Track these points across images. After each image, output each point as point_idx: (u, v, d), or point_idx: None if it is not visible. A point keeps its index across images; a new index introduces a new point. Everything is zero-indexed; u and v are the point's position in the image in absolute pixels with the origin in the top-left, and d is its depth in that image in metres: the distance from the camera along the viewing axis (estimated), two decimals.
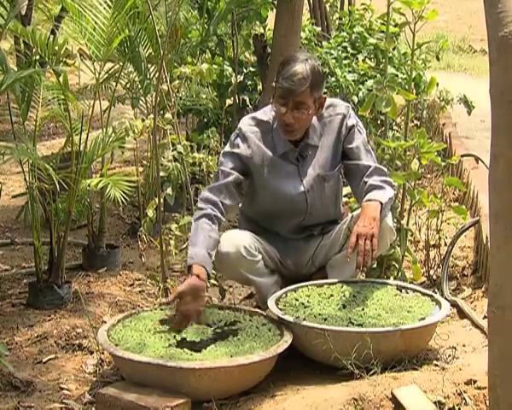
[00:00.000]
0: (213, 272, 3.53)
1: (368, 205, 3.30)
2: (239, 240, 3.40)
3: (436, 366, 2.99)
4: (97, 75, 4.23)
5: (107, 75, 4.52)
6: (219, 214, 3.35)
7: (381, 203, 3.30)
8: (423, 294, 3.35)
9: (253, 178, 3.49)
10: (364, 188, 3.42)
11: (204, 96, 5.90)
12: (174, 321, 3.13)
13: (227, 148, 3.51)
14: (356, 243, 3.21)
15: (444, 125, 7.23)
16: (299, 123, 3.39)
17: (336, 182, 3.58)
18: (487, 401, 2.38)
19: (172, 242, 3.48)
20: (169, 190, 3.50)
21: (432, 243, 4.15)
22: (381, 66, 6.51)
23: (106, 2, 4.23)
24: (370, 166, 3.45)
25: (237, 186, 3.45)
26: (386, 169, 3.53)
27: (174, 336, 3.07)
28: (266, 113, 3.54)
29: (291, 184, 3.50)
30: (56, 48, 3.84)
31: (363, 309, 3.19)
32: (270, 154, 3.48)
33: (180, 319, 3.12)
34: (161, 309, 3.32)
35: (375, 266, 3.73)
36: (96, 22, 4.17)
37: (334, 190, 3.58)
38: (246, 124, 3.52)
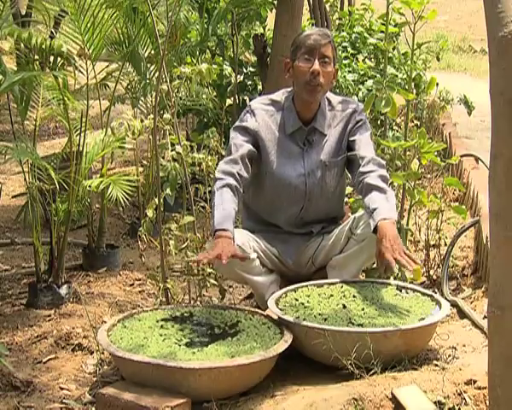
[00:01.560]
0: (213, 271, 3.54)
1: (385, 225, 3.23)
2: None
3: (436, 366, 2.99)
4: (95, 75, 4.24)
5: (104, 75, 4.53)
6: (238, 186, 3.40)
7: (395, 221, 3.29)
8: (423, 294, 3.35)
9: (260, 154, 3.54)
10: (363, 182, 3.42)
11: (204, 97, 5.91)
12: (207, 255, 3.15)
13: (236, 123, 3.59)
14: (392, 260, 3.16)
15: (444, 125, 7.23)
16: (323, 76, 3.46)
17: (338, 173, 3.59)
18: (487, 401, 2.38)
19: (172, 242, 3.48)
20: (168, 190, 3.50)
21: (432, 243, 4.15)
22: (380, 66, 6.51)
23: (105, 1, 4.24)
24: (366, 157, 3.48)
25: (251, 159, 3.50)
26: (383, 161, 3.54)
27: (175, 336, 3.07)
28: (278, 94, 3.63)
29: (292, 166, 3.54)
30: (55, 48, 3.85)
31: (363, 309, 3.19)
32: (278, 133, 3.55)
33: (214, 253, 3.12)
34: (162, 309, 3.32)
35: (374, 265, 3.73)
36: (94, 22, 4.18)
37: (335, 182, 3.59)
38: (257, 101, 3.64)
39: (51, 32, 4.68)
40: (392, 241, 3.19)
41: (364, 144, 3.53)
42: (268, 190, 3.58)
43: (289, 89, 3.60)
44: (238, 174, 3.41)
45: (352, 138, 3.56)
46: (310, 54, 3.46)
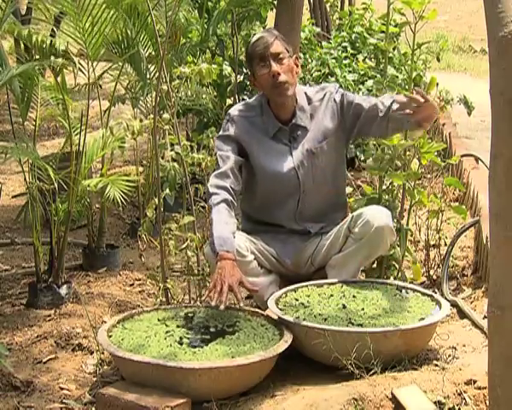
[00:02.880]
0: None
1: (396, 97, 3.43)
2: None
3: (436, 366, 2.99)
4: (94, 75, 4.23)
5: (102, 75, 4.52)
6: (233, 199, 3.42)
7: None
8: (423, 294, 3.35)
9: (248, 160, 3.55)
10: (385, 113, 3.50)
11: (204, 96, 5.90)
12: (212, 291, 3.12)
13: (219, 133, 3.61)
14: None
15: (444, 125, 7.22)
16: (286, 75, 3.47)
17: (328, 159, 3.58)
18: (487, 401, 2.38)
19: (172, 242, 3.48)
20: (168, 190, 3.50)
21: (432, 243, 4.15)
22: (381, 66, 6.51)
23: (104, 2, 4.24)
24: (376, 102, 3.53)
25: (240, 170, 3.51)
26: (389, 94, 3.63)
27: (174, 337, 3.07)
28: (256, 99, 3.65)
29: (281, 163, 3.56)
30: (57, 47, 3.85)
31: (363, 309, 3.19)
32: (261, 135, 3.56)
33: (219, 289, 3.11)
34: (162, 309, 3.32)
35: (374, 265, 3.73)
36: (93, 23, 4.17)
37: (326, 169, 3.59)
38: (235, 109, 3.65)
39: (52, 31, 4.68)
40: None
41: (362, 100, 3.58)
42: (262, 191, 3.58)
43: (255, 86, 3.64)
44: (231, 188, 3.43)
45: (350, 112, 3.56)
46: (263, 59, 3.48)
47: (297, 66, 3.57)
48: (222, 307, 3.09)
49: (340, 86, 5.09)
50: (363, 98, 3.63)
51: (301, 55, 6.31)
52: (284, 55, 3.50)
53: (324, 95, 3.61)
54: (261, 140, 3.55)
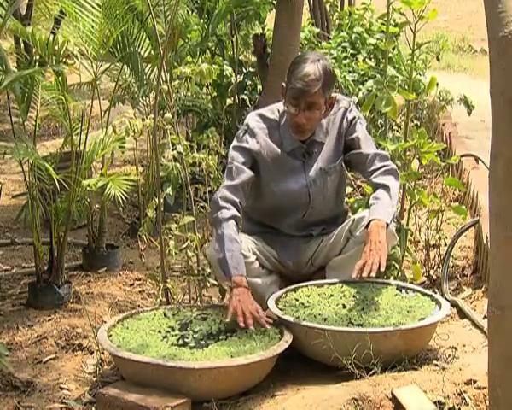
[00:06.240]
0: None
1: (372, 229, 3.29)
2: None
3: (436, 366, 2.99)
4: (94, 75, 4.24)
5: (100, 75, 4.53)
6: (240, 216, 3.41)
7: (387, 223, 3.31)
8: (423, 294, 3.35)
9: (259, 174, 3.52)
10: (371, 181, 3.48)
11: (203, 97, 5.91)
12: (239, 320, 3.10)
13: (236, 143, 3.53)
14: (363, 267, 3.24)
15: (444, 125, 7.22)
16: (310, 123, 3.42)
17: (338, 176, 3.59)
18: (487, 401, 2.38)
19: (172, 242, 3.48)
20: (169, 190, 3.50)
21: (432, 243, 4.15)
22: (380, 66, 6.51)
23: (103, 3, 4.24)
24: (370, 154, 3.50)
25: (249, 185, 3.48)
26: (386, 152, 3.57)
27: (174, 337, 3.07)
28: (273, 111, 3.57)
29: (294, 180, 3.53)
30: (56, 47, 3.85)
31: (363, 309, 3.19)
32: (278, 150, 3.51)
33: (242, 317, 3.11)
34: (162, 309, 3.32)
35: None
36: (92, 22, 4.18)
37: (335, 185, 3.59)
38: (253, 120, 3.55)
39: (52, 30, 4.69)
40: (373, 246, 3.24)
41: (364, 141, 3.53)
42: (270, 203, 3.56)
43: (282, 103, 3.51)
44: (240, 204, 3.41)
45: (350, 137, 3.54)
46: (296, 100, 3.37)
47: (330, 105, 3.45)
48: (252, 328, 3.09)
49: (341, 87, 5.05)
50: (364, 137, 3.54)
51: None
52: (319, 106, 3.39)
53: (339, 109, 3.54)
54: (276, 154, 3.50)
